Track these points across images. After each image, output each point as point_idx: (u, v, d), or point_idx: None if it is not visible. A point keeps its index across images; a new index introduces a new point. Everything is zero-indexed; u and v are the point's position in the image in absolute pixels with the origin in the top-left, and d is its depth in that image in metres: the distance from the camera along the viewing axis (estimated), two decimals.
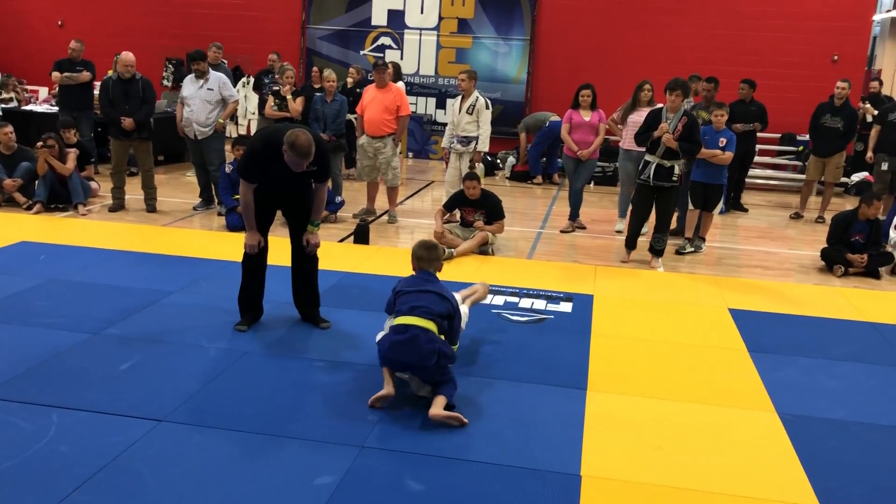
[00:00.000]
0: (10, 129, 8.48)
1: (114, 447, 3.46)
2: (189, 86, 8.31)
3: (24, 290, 5.55)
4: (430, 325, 3.99)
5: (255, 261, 5.09)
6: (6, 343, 4.58)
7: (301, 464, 3.42)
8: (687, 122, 6.83)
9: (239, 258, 6.61)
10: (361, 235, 7.51)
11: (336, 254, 6.99)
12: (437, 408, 3.83)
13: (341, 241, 7.63)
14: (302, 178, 4.85)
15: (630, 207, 7.81)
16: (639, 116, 7.76)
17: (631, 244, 7.36)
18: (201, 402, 3.96)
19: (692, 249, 7.80)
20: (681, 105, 6.89)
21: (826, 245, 7.45)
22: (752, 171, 11.05)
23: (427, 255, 4.37)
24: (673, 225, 8.28)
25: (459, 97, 8.19)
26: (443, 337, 4.03)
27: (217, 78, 8.31)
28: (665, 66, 10.87)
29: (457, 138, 8.13)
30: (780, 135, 12.26)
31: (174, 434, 3.62)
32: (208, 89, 8.21)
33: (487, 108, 8.07)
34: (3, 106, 10.78)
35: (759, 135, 10.11)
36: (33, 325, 4.90)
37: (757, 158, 11.09)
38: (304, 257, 5.14)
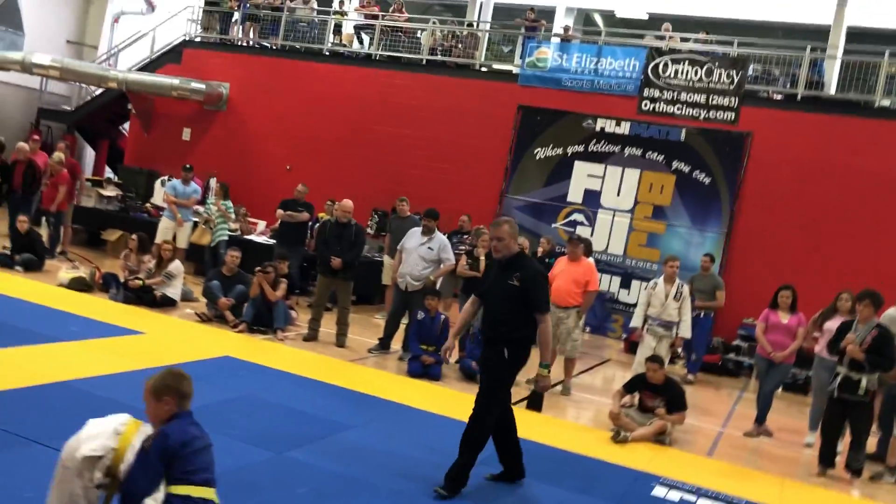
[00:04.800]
0: (238, 253, 9.42)
1: None
2: (411, 239, 8.91)
3: (221, 401, 5.95)
4: None
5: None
6: None
7: None
8: (878, 334, 6.50)
9: (416, 404, 6.84)
10: (535, 402, 7.47)
11: None
12: None
13: (514, 404, 7.60)
14: (504, 291, 4.85)
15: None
16: (834, 324, 7.44)
17: (826, 460, 6.81)
18: None
19: (893, 480, 7.05)
20: (872, 316, 6.60)
21: None
22: None
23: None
24: (873, 448, 7.60)
25: (660, 282, 8.28)
26: None
27: (440, 240, 8.90)
28: (871, 276, 10.32)
29: (658, 322, 8.19)
30: None
31: None
32: (429, 248, 8.78)
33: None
34: (231, 233, 11.99)
35: None
36: (224, 434, 5.20)
37: None
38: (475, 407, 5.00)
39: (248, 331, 8.74)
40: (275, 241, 11.52)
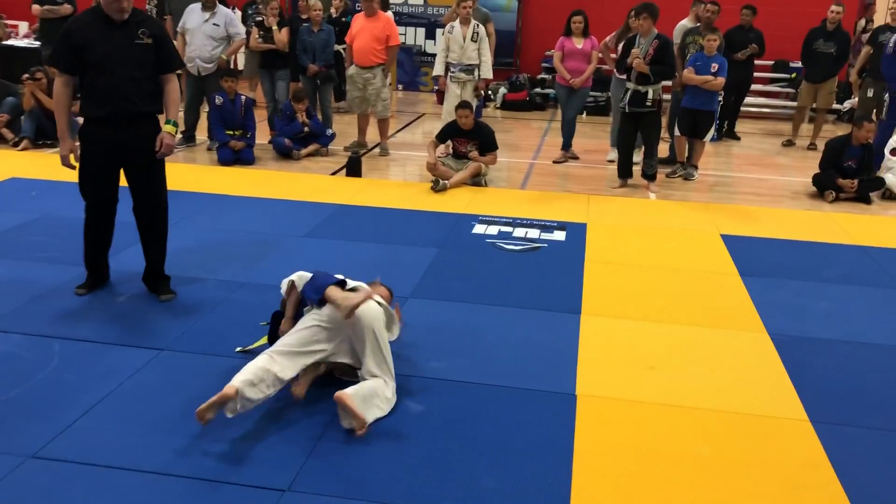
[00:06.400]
0: None
1: (117, 375, 3.51)
2: (193, 17, 8.07)
3: (17, 225, 5.54)
4: None
5: (97, 204, 4.33)
6: (3, 277, 4.59)
7: None
8: (659, 45, 6.84)
9: (233, 191, 6.66)
10: (354, 168, 7.48)
11: (329, 186, 7.00)
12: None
13: (333, 173, 7.60)
14: (135, 54, 4.05)
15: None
16: None
17: (623, 172, 7.39)
18: (199, 332, 4.00)
19: (681, 174, 7.83)
20: (651, 28, 6.87)
21: (818, 171, 7.47)
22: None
23: None
24: (666, 153, 8.31)
25: (457, 24, 8.03)
26: None
27: (224, 14, 8.11)
28: None
29: (460, 67, 8.03)
30: (772, 62, 12.15)
31: (175, 362, 3.68)
32: (214, 24, 8.01)
33: (487, 35, 8.07)
34: None
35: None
36: (29, 259, 4.91)
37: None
38: (149, 205, 4.36)
39: (32, 146, 7.97)
40: (40, 44, 10.23)
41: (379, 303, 3.39)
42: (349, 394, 3.10)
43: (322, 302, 3.34)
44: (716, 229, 6.10)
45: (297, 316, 3.50)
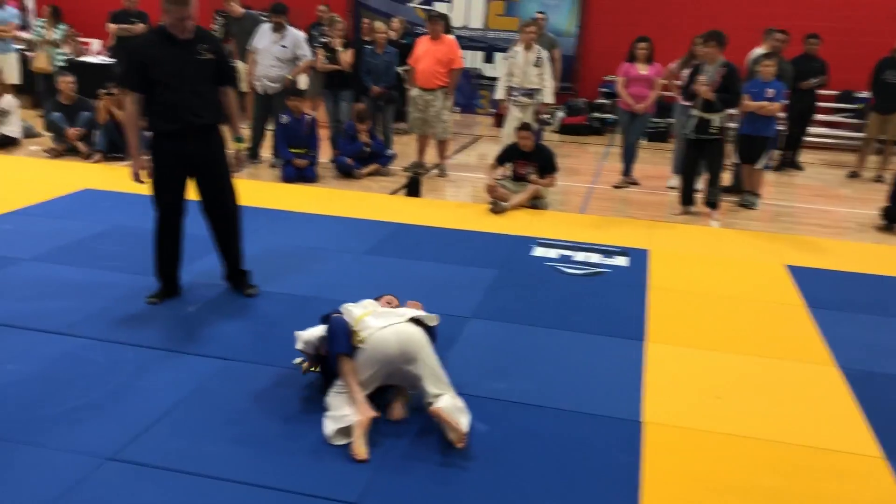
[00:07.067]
0: (71, 78, 8.63)
1: (188, 383, 3.59)
2: (263, 38, 8.32)
3: (91, 235, 5.72)
4: None
5: (169, 214, 4.49)
6: (79, 284, 4.74)
7: None
8: (726, 73, 6.77)
9: (296, 207, 6.78)
10: (413, 188, 7.55)
11: (389, 205, 7.08)
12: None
13: (393, 192, 7.69)
14: (199, 70, 4.24)
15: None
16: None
17: (686, 199, 7.32)
18: (265, 343, 4.07)
19: (742, 203, 7.74)
20: (718, 56, 6.82)
21: (888, 204, 7.28)
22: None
23: None
24: (730, 182, 8.20)
25: (520, 49, 8.09)
26: None
27: (294, 36, 8.35)
28: (725, 19, 10.57)
29: (521, 91, 8.08)
30: (837, 92, 11.92)
31: (243, 372, 3.75)
32: (282, 46, 8.25)
33: (550, 60, 8.12)
34: (65, 57, 10.93)
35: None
36: (103, 268, 5.06)
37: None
38: (221, 209, 4.59)
39: (104, 160, 8.24)
40: (114, 60, 10.59)
41: (415, 319, 3.50)
42: (443, 407, 3.19)
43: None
44: (780, 260, 5.99)
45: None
